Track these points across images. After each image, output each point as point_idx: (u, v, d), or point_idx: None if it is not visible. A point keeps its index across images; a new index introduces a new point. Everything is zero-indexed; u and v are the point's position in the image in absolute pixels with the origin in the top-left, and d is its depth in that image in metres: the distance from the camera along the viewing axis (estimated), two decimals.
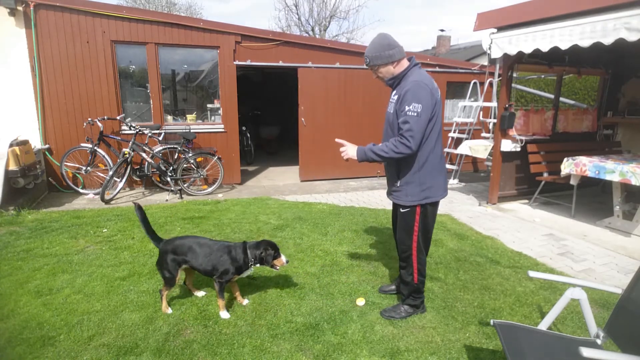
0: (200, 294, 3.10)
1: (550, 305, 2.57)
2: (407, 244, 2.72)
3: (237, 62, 6.98)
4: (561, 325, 2.77)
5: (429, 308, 2.97)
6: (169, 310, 2.85)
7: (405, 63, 2.57)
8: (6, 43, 5.91)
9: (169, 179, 6.25)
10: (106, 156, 6.21)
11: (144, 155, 6.18)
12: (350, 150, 2.62)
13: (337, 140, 2.73)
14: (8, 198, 5.10)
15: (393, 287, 3.19)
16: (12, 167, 5.10)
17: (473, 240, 4.43)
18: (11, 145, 5.24)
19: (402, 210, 2.69)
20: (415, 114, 2.37)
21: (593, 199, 6.29)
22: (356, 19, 47.77)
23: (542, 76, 9.88)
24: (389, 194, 2.81)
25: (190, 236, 2.95)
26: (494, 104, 7.66)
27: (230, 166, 7.18)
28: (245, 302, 3.02)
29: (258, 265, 2.87)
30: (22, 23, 5.87)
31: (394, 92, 2.62)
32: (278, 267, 2.93)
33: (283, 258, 2.90)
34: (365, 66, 2.68)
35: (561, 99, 7.86)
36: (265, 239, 2.97)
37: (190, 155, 6.29)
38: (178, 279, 2.84)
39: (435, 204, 2.70)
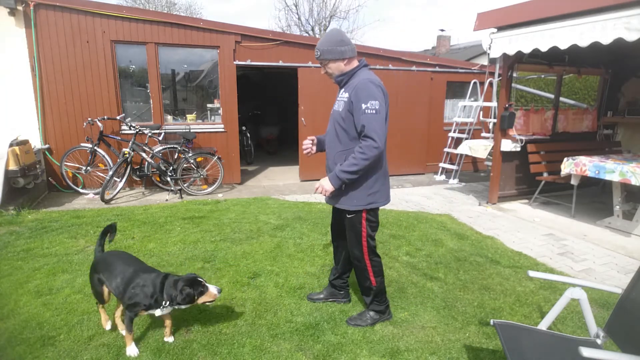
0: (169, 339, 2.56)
1: (550, 305, 2.56)
2: (358, 250, 2.63)
3: (237, 62, 6.98)
4: (561, 325, 2.77)
5: (429, 308, 2.97)
6: (107, 327, 2.60)
7: (355, 62, 2.53)
8: (6, 43, 5.90)
9: (169, 178, 6.25)
10: (106, 156, 6.21)
11: (144, 155, 6.18)
12: (324, 184, 2.46)
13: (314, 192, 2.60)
14: (8, 198, 5.10)
15: (322, 295, 3.06)
16: (12, 167, 5.10)
17: (473, 240, 4.43)
18: (11, 145, 5.23)
19: (348, 216, 2.59)
20: (373, 112, 2.30)
21: (593, 199, 6.29)
22: (356, 19, 47.86)
23: (542, 76, 9.87)
24: (330, 199, 2.61)
25: (115, 252, 2.62)
26: (494, 103, 7.66)
27: (230, 166, 7.18)
28: (171, 339, 2.52)
29: (172, 307, 2.40)
30: (22, 23, 5.87)
31: (343, 90, 2.54)
32: (209, 303, 2.47)
33: (213, 289, 2.42)
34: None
35: (561, 98, 7.85)
36: (189, 273, 2.51)
37: (190, 155, 6.29)
38: (107, 298, 2.52)
39: (378, 210, 2.63)
